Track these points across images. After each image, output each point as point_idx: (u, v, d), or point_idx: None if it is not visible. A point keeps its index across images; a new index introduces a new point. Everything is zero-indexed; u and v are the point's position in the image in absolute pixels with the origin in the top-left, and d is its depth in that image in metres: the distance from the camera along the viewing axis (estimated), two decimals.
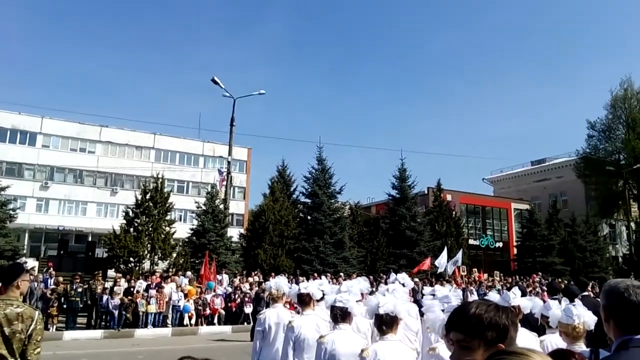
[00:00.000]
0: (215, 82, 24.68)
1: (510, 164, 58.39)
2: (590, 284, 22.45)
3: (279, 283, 5.42)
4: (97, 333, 15.33)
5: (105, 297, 15.96)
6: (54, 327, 15.22)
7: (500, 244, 41.70)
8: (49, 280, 16.57)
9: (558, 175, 48.72)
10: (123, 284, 17.01)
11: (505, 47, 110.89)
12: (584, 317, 3.14)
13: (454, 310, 1.74)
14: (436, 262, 23.05)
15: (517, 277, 26.96)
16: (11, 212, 22.27)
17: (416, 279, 19.24)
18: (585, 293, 6.86)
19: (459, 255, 23.55)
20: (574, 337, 3.14)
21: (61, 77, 79.29)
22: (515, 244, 38.96)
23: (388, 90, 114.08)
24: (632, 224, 40.34)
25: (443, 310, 3.15)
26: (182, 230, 25.51)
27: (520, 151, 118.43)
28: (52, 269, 18.19)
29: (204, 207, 24.82)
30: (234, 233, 28.17)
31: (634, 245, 37.83)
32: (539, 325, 4.57)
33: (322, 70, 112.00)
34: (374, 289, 7.36)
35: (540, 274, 28.15)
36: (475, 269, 28.82)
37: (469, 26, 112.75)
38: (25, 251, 28.72)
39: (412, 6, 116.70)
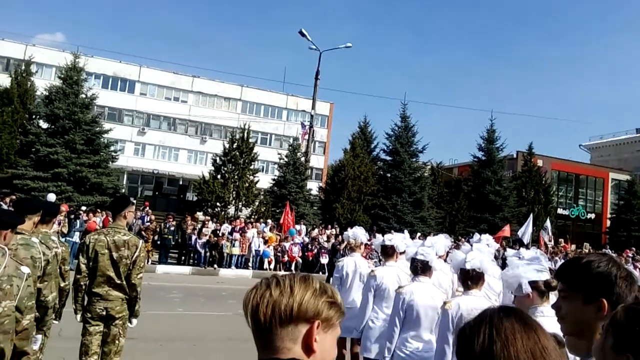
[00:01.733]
0: (303, 35, 24.64)
1: (612, 131, 53.67)
2: None
3: (357, 233, 5.50)
4: (186, 269, 16.60)
5: (194, 237, 17.15)
6: (149, 261, 16.64)
7: (592, 216, 39.05)
8: (145, 218, 18.02)
9: None
10: (211, 225, 18.12)
11: (609, 10, 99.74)
12: None
13: (567, 260, 1.67)
14: (519, 232, 22.15)
15: (606, 249, 25.25)
16: (113, 153, 24.22)
17: (497, 244, 18.65)
18: None
19: (548, 224, 22.44)
20: None
21: (157, 28, 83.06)
22: (609, 216, 36.35)
23: (479, 49, 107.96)
24: None
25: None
26: (264, 181, 26.45)
27: (624, 117, 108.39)
28: (148, 207, 19.73)
29: (285, 159, 25.48)
30: (313, 186, 28.74)
31: None
32: None
33: (410, 26, 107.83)
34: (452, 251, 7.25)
35: (633, 249, 26.17)
36: (562, 240, 27.34)
37: None
38: (124, 190, 31.28)
39: None
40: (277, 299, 1.10)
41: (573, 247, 25.62)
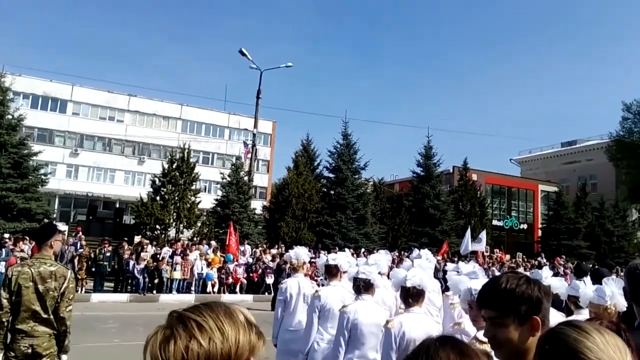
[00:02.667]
0: (243, 54, 24.59)
1: (540, 145, 57.11)
2: (616, 268, 22.03)
3: (299, 253, 5.45)
4: (124, 296, 15.82)
5: (131, 262, 16.41)
6: (83, 289, 15.75)
7: (525, 226, 41.11)
8: (78, 244, 17.08)
9: (588, 157, 47.45)
10: (150, 250, 17.43)
11: (538, 25, 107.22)
12: (617, 298, 3.07)
13: (484, 286, 1.69)
14: (462, 246, 22.92)
15: (541, 258, 26.61)
16: (43, 177, 22.88)
17: (438, 257, 19.18)
18: (613, 277, 6.72)
19: (483, 235, 23.30)
20: (605, 319, 3.07)
21: (90, 44, 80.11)
22: (540, 226, 38.37)
23: (416, 67, 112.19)
24: None
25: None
26: (206, 201, 25.87)
27: (550, 132, 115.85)
28: (81, 233, 18.73)
29: (228, 179, 25.09)
30: (257, 205, 28.45)
31: None
32: (563, 307, 4.50)
33: (350, 44, 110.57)
34: (394, 266, 7.36)
35: (563, 256, 27.73)
36: (497, 250, 28.56)
37: (504, 3, 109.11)
38: (55, 215, 29.62)
39: None
40: (209, 348, 0.90)
41: (508, 256, 26.77)
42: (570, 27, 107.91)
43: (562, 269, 22.21)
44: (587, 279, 5.52)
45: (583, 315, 3.55)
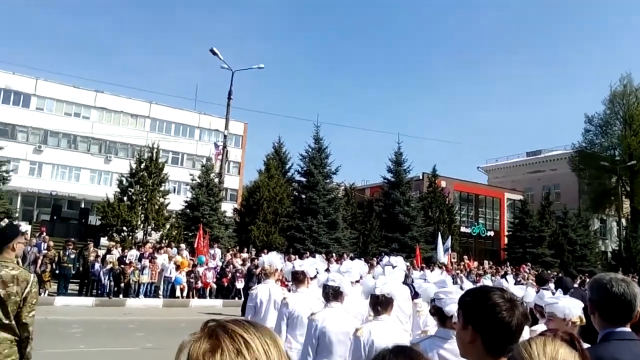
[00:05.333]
0: (214, 53, 24.33)
1: (506, 154, 58.50)
2: (579, 277, 22.74)
3: (272, 259, 5.44)
4: (89, 300, 15.43)
5: (97, 265, 16.02)
6: (46, 292, 15.27)
7: (492, 233, 42.01)
8: (42, 245, 16.57)
9: (552, 167, 48.89)
10: (116, 252, 17.03)
11: (506, 36, 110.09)
12: (581, 312, 3.18)
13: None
14: (438, 254, 23.28)
15: (507, 266, 27.22)
16: (4, 174, 22.15)
17: (407, 263, 19.40)
18: (575, 285, 6.95)
19: (449, 242, 23.77)
20: (566, 330, 3.18)
21: (56, 38, 77.98)
22: (506, 233, 39.28)
23: (388, 73, 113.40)
24: (623, 220, 40.81)
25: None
26: (175, 202, 25.49)
27: (516, 142, 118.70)
28: (44, 233, 18.18)
29: (198, 180, 24.78)
30: (227, 208, 28.18)
31: (624, 241, 38.29)
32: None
33: (323, 47, 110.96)
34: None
35: (529, 264, 28.43)
36: (466, 257, 29.07)
37: (471, 12, 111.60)
38: (17, 214, 28.65)
39: None
40: None
41: (475, 264, 27.27)
42: (538, 42, 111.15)
43: (529, 274, 22.78)
44: (553, 287, 5.68)
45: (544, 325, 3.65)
